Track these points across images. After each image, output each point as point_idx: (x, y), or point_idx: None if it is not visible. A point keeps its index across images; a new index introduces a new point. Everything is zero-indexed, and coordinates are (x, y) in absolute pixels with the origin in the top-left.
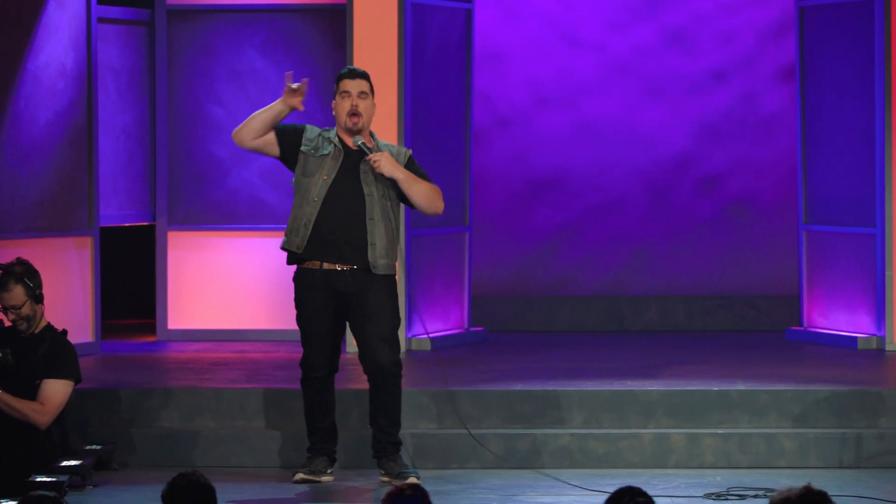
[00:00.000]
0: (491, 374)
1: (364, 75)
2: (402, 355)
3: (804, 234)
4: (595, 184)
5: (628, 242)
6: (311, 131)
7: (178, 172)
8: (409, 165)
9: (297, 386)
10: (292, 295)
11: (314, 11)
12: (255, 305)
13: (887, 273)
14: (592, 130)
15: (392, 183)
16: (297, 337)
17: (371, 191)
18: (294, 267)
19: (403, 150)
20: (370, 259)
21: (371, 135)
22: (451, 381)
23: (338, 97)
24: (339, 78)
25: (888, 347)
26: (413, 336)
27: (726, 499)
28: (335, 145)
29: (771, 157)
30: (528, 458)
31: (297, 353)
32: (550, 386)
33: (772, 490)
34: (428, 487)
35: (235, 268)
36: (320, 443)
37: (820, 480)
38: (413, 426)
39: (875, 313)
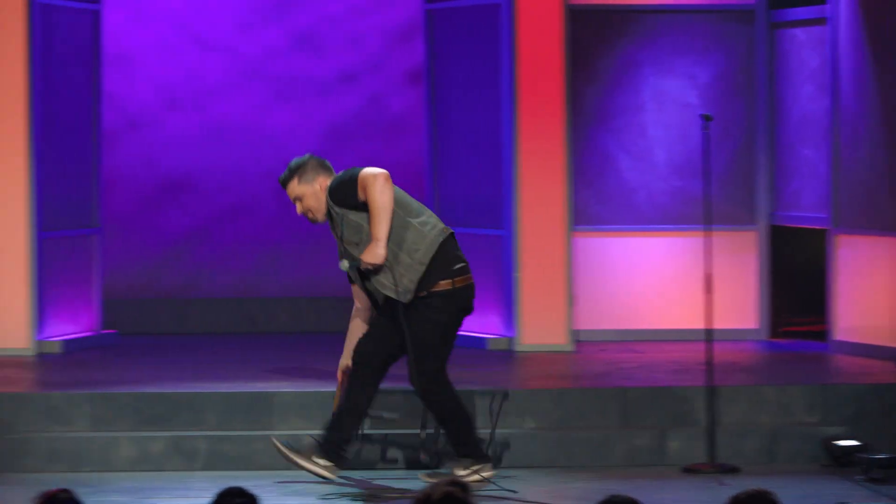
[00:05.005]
0: (122, 376)
1: (287, 180)
2: None
3: None
4: (225, 186)
5: (259, 244)
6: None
7: None
8: (332, 196)
9: None
10: None
11: None
12: None
13: (516, 274)
14: (222, 133)
15: (356, 230)
16: None
17: (353, 249)
18: None
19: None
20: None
21: (328, 191)
22: (81, 383)
23: None
24: None
25: (517, 348)
26: (44, 339)
27: (362, 499)
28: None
29: (399, 158)
30: (160, 461)
31: None
32: (182, 388)
33: (407, 491)
34: None
35: None
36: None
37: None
38: (45, 429)
39: (504, 314)
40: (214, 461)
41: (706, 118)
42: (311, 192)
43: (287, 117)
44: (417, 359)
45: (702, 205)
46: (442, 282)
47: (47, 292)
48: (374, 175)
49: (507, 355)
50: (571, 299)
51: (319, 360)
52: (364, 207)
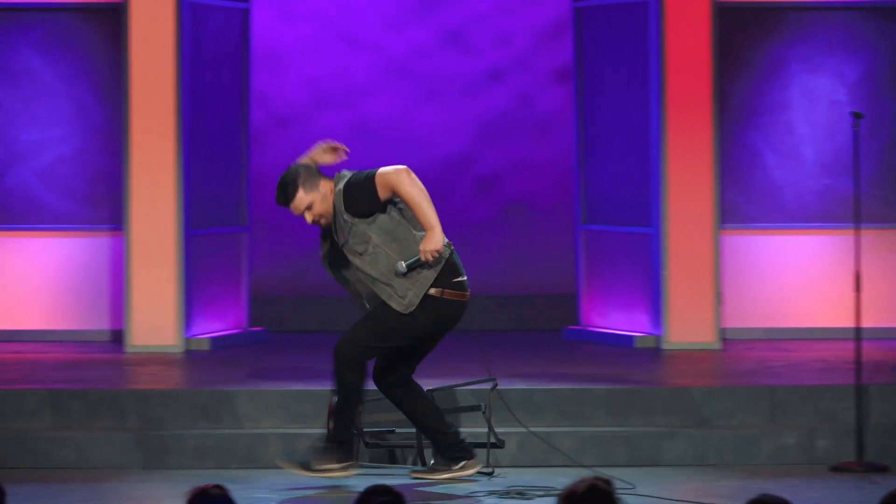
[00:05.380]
0: (269, 373)
1: (292, 195)
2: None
3: (581, 234)
4: None
5: None
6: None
7: None
8: (345, 198)
9: (76, 386)
10: (68, 294)
11: (91, 10)
12: (31, 306)
13: (663, 272)
14: (370, 130)
15: (363, 239)
16: (73, 338)
17: (355, 257)
18: None
19: (339, 191)
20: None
21: (337, 178)
22: (229, 380)
23: None
24: None
25: (664, 346)
26: (192, 336)
27: (509, 498)
28: (325, 238)
29: (547, 157)
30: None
31: (76, 353)
32: (330, 385)
33: (552, 488)
34: None
35: (11, 268)
36: None
37: None
38: (193, 426)
39: (651, 312)
40: (361, 458)
41: (857, 116)
42: (320, 197)
43: (434, 116)
44: (357, 328)
45: (849, 203)
46: (433, 289)
47: (195, 290)
48: (396, 172)
49: (654, 353)
50: (719, 297)
51: (471, 358)
52: (371, 215)
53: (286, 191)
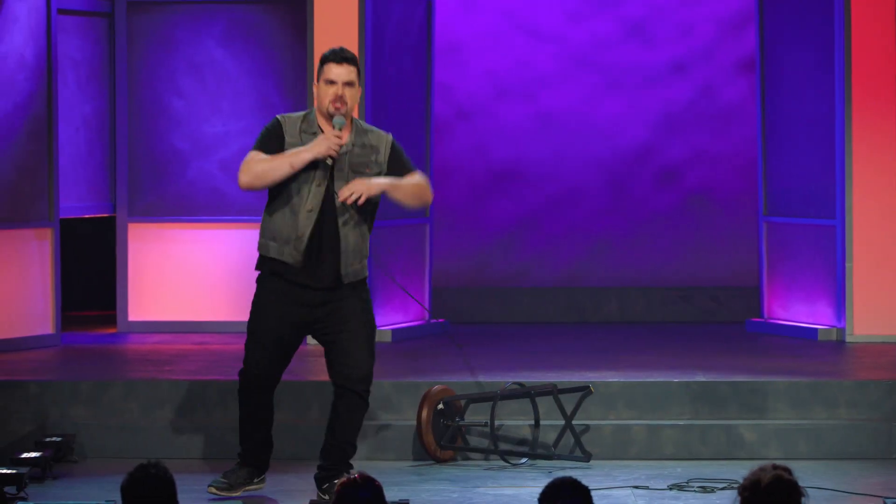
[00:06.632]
0: (449, 365)
1: (352, 60)
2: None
3: (764, 226)
4: (554, 175)
5: (588, 234)
6: (290, 125)
7: (137, 164)
8: (393, 154)
9: None
10: (251, 285)
11: (274, 2)
12: (215, 297)
13: (847, 265)
14: (551, 122)
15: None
16: None
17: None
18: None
19: (384, 136)
20: (340, 269)
21: (352, 121)
22: (413, 372)
23: (322, 82)
24: (325, 61)
25: (848, 339)
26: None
27: (690, 490)
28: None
29: (730, 148)
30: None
31: None
32: (511, 377)
33: (734, 481)
34: (387, 479)
35: (195, 259)
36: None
37: None
38: (374, 417)
39: (835, 305)
40: (539, 450)
41: None
42: (358, 86)
43: (616, 107)
44: (371, 356)
45: None
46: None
47: (377, 281)
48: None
49: (837, 346)
50: None
51: (648, 351)
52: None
53: (352, 56)
